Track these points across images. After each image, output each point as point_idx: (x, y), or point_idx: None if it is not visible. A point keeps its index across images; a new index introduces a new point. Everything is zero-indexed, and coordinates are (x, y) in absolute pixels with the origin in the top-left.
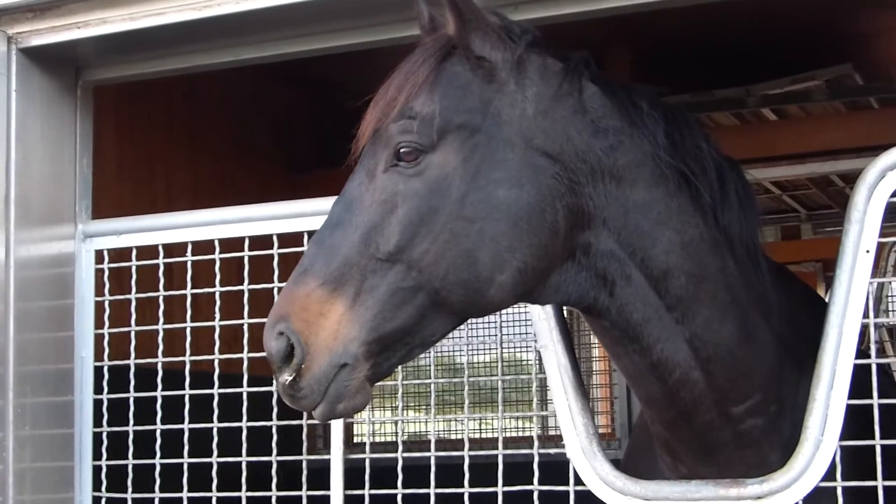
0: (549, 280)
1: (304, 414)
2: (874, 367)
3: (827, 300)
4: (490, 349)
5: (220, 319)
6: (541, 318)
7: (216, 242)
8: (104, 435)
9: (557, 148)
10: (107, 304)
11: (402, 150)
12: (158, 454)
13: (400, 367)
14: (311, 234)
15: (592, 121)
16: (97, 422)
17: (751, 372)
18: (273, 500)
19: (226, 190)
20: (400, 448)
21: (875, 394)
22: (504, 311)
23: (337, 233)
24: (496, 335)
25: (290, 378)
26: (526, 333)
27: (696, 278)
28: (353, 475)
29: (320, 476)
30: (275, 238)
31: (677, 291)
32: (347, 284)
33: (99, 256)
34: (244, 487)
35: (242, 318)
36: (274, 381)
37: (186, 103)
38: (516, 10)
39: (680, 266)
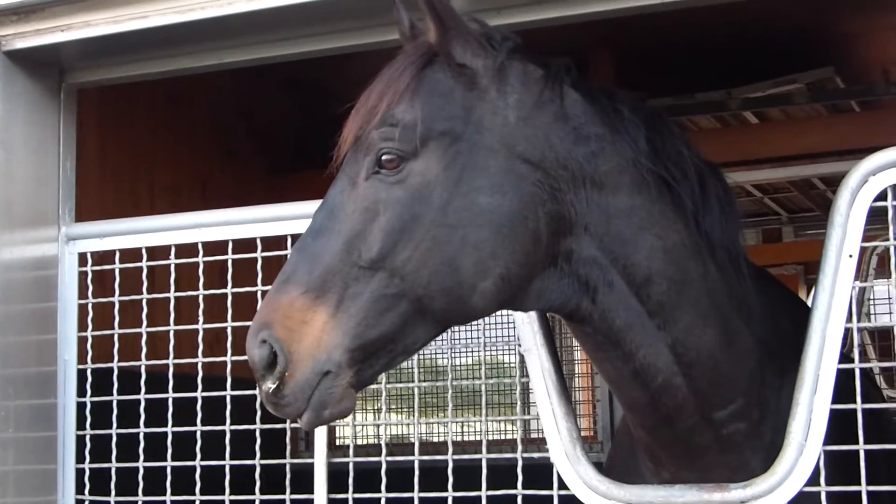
0: (531, 287)
1: None
2: (857, 372)
3: (809, 304)
4: (473, 352)
5: (204, 322)
6: (524, 322)
7: (199, 245)
8: (87, 438)
9: (539, 155)
10: (90, 306)
11: (383, 158)
12: (142, 457)
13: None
14: (294, 237)
15: (574, 127)
16: (80, 424)
17: (733, 377)
18: (256, 503)
19: (208, 193)
20: (384, 451)
21: (858, 398)
22: None
23: (319, 240)
24: (479, 338)
25: (274, 386)
26: (509, 337)
27: (677, 284)
28: (336, 478)
29: (304, 479)
30: (258, 241)
31: (659, 297)
32: (330, 292)
33: (82, 259)
34: (227, 491)
35: (226, 322)
36: (257, 389)
37: (169, 106)
38: (499, 15)
39: (662, 272)
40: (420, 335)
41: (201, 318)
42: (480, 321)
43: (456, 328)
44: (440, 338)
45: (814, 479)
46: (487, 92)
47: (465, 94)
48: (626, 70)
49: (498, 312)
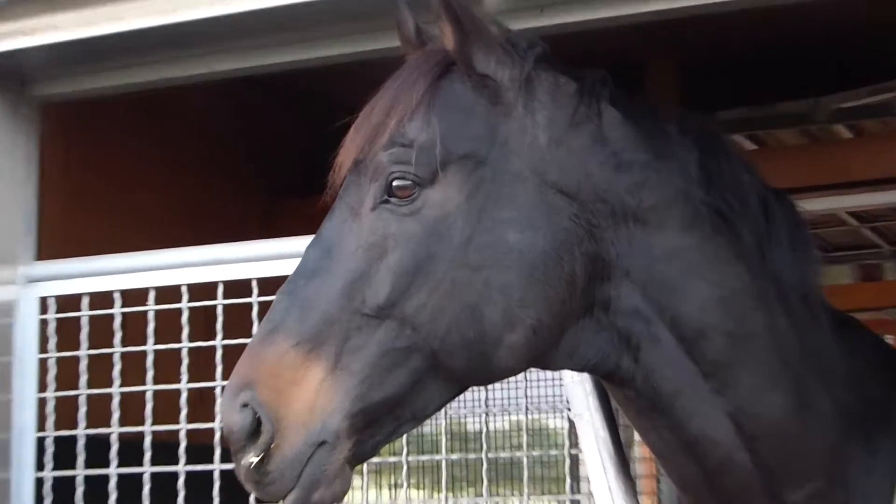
0: (562, 342)
1: None
2: None
3: None
4: (512, 415)
5: (188, 381)
6: (574, 381)
7: (184, 288)
8: None
9: (575, 184)
10: (52, 361)
11: (395, 184)
12: None
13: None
14: None
15: (614, 152)
16: None
17: (809, 451)
18: None
19: (197, 223)
20: None
21: None
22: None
23: (313, 283)
24: (519, 398)
25: (257, 460)
26: (555, 397)
27: (738, 339)
28: None
29: None
30: (254, 283)
31: (715, 356)
32: (327, 345)
33: (43, 305)
34: None
35: (214, 380)
36: (235, 464)
37: (151, 122)
38: (542, 15)
39: (718, 325)
40: (433, 398)
41: (185, 376)
42: (520, 377)
43: (491, 385)
44: (471, 399)
45: None
46: (514, 108)
47: (489, 111)
48: (692, 79)
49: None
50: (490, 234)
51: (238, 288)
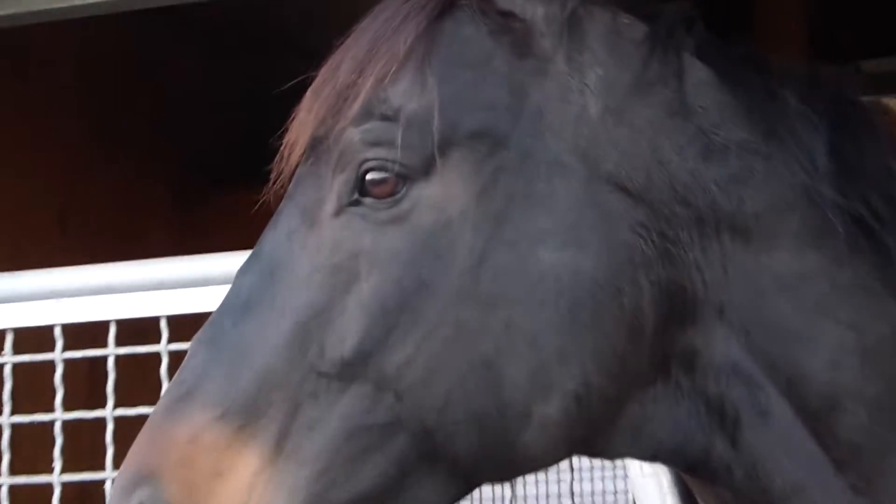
0: (621, 417)
1: None
2: None
3: None
4: None
5: (64, 471)
6: (644, 475)
7: (57, 331)
8: None
9: (642, 178)
10: None
11: (370, 177)
12: None
13: None
14: None
15: (702, 130)
16: None
17: None
18: None
19: (70, 228)
20: None
21: None
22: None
23: (247, 325)
24: (562, 495)
25: None
26: (616, 493)
27: (889, 411)
28: None
29: None
30: (162, 323)
31: (855, 436)
32: (266, 419)
33: None
34: None
35: (103, 470)
36: None
37: (9, 78)
38: None
39: (859, 389)
40: (427, 499)
41: (58, 465)
42: (562, 465)
43: (519, 479)
44: (489, 497)
45: None
46: (551, 63)
47: (514, 66)
48: (826, 16)
49: None
50: (513, 253)
51: (139, 329)
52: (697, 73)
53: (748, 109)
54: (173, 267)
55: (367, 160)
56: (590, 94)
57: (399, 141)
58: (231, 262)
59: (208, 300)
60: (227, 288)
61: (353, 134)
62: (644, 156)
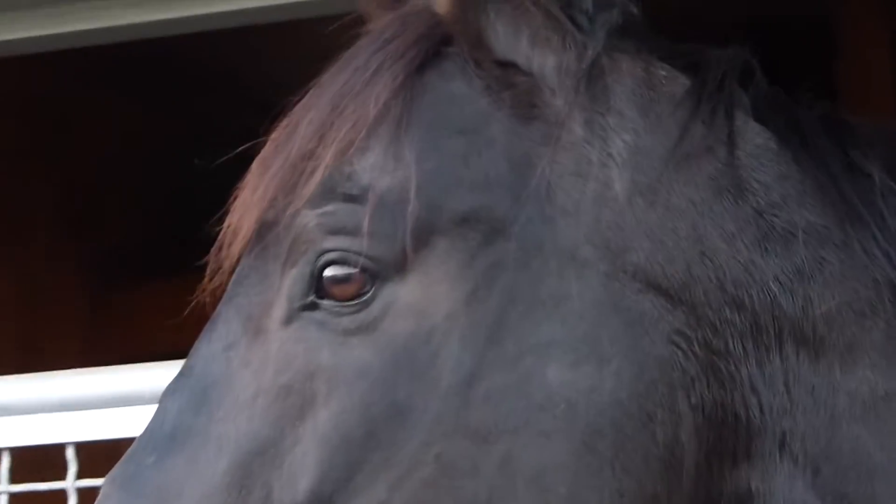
0: None
1: None
2: None
3: None
4: None
5: None
6: None
7: None
8: None
9: (681, 274)
10: None
11: (329, 274)
12: None
13: None
14: None
15: (758, 211)
16: None
17: None
18: None
19: None
20: None
21: None
22: None
23: (174, 460)
24: None
25: None
26: None
27: None
28: None
29: None
30: (69, 452)
31: None
32: None
33: None
34: None
35: None
36: None
37: None
38: None
39: None
40: None
41: None
42: None
43: None
44: None
45: None
46: (565, 127)
47: (516, 132)
48: None
49: None
50: (512, 372)
51: (39, 460)
52: (755, 138)
53: (820, 186)
54: (84, 382)
55: (325, 251)
56: (614, 168)
57: (366, 228)
58: (156, 375)
59: (127, 424)
60: (151, 409)
61: (309, 218)
62: (684, 245)
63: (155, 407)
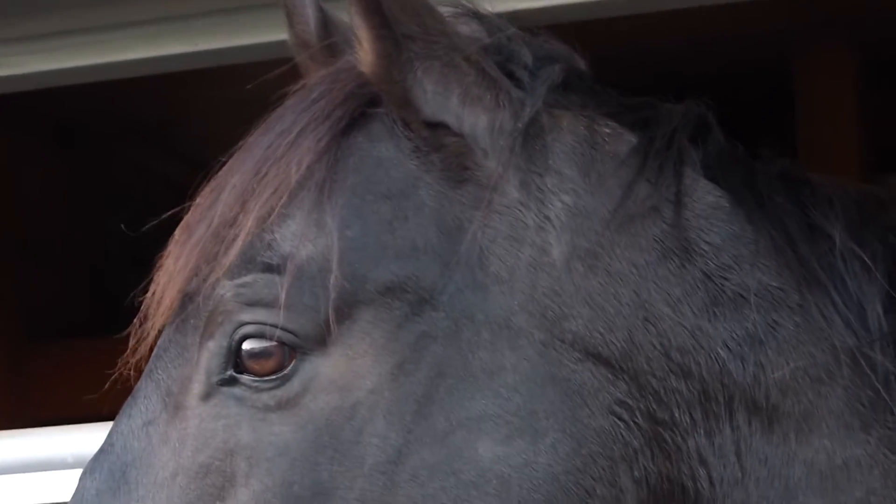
0: None
1: None
2: None
3: None
4: None
5: None
6: None
7: None
8: None
9: (622, 342)
10: None
11: (247, 347)
12: None
13: None
14: None
15: (706, 275)
16: None
17: None
18: None
19: None
20: None
21: None
22: None
23: None
24: None
25: None
26: None
27: None
28: None
29: None
30: None
31: None
32: None
33: None
34: None
35: None
36: None
37: None
38: None
39: None
40: None
41: None
42: None
43: None
44: None
45: None
46: (498, 190)
47: (446, 195)
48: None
49: None
50: (442, 448)
51: None
52: (705, 196)
53: (776, 246)
54: (2, 445)
55: (242, 324)
56: (552, 231)
57: (283, 299)
58: (82, 438)
59: (49, 490)
60: (76, 473)
61: (227, 289)
62: (626, 312)
63: (78, 472)
